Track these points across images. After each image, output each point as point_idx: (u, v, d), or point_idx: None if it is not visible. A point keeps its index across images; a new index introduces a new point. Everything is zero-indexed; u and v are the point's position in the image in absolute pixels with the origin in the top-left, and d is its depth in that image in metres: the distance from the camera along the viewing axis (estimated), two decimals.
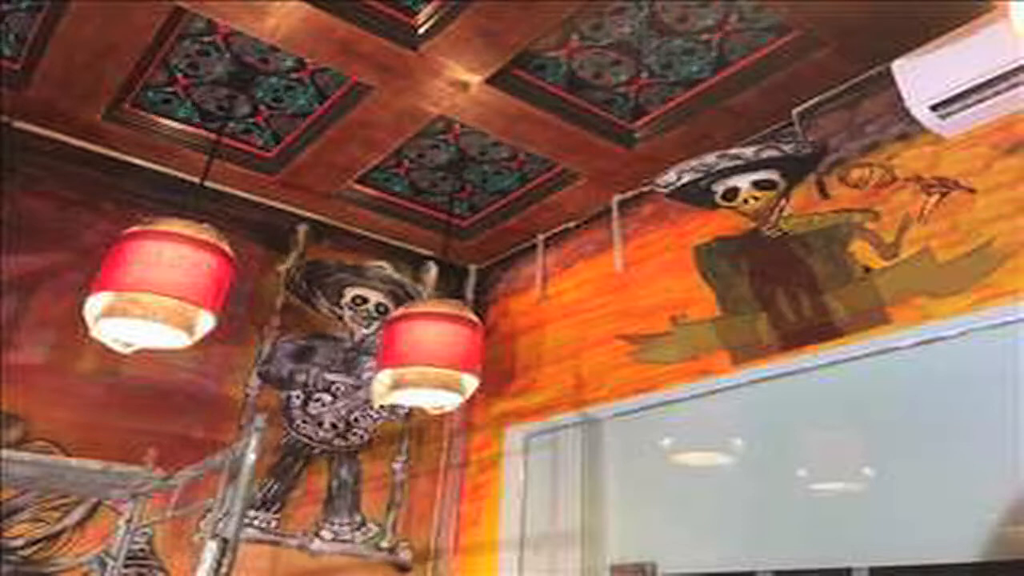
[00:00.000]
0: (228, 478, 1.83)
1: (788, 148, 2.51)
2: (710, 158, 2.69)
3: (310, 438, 3.08)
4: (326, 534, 2.98)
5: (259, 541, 2.83)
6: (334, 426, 3.14)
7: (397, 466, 3.23)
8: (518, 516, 2.98)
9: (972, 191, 2.02)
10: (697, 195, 2.76)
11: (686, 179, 2.78)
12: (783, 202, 2.49)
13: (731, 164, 2.63)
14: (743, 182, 2.62)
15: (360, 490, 3.11)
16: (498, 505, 3.03)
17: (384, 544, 3.08)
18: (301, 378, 3.13)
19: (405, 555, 3.10)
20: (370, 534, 3.07)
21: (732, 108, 2.50)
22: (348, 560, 2.99)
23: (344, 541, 3.00)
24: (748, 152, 2.60)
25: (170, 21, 2.29)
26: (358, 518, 3.07)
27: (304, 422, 3.08)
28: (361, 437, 3.19)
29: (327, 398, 3.16)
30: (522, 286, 3.42)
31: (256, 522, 2.84)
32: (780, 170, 2.53)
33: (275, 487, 2.94)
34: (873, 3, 2.05)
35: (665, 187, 2.82)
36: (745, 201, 2.59)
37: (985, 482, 1.92)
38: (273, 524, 2.89)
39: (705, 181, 2.73)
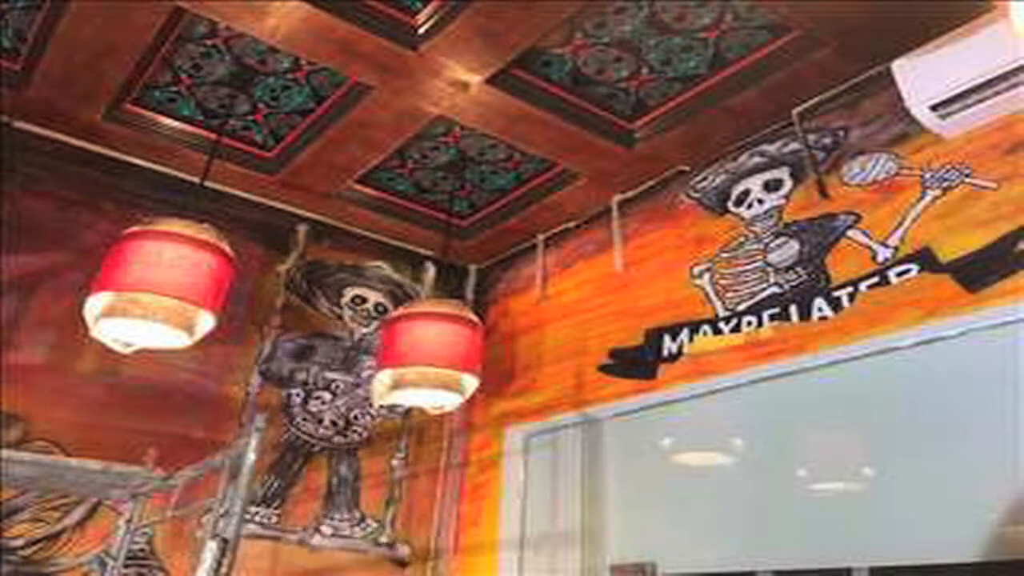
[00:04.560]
0: (228, 478, 1.84)
1: (800, 144, 2.46)
2: (743, 158, 2.65)
3: (310, 435, 3.08)
4: (326, 529, 2.98)
5: (260, 536, 2.84)
6: (334, 423, 3.14)
7: (396, 463, 3.23)
8: (518, 516, 2.98)
9: (973, 190, 2.02)
10: (715, 200, 2.71)
11: (711, 184, 2.74)
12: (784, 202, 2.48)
13: (754, 162, 2.59)
14: (755, 184, 2.58)
15: (359, 486, 3.12)
16: (498, 505, 3.03)
17: (383, 539, 3.09)
18: (301, 376, 3.14)
19: (403, 550, 3.11)
20: (369, 530, 3.07)
21: (732, 108, 2.50)
22: (347, 555, 2.99)
23: (343, 536, 3.01)
24: (772, 148, 2.56)
25: (170, 21, 2.29)
26: (357, 514, 3.07)
27: (304, 420, 3.09)
28: (360, 434, 3.19)
29: (327, 396, 3.17)
30: (522, 286, 3.42)
31: (257, 518, 2.85)
32: (790, 168, 2.49)
33: (275, 483, 2.95)
34: (873, 3, 2.05)
35: (698, 192, 2.78)
36: (749, 206, 2.56)
37: (985, 482, 1.92)
38: (273, 520, 2.90)
39: (725, 183, 2.69)
